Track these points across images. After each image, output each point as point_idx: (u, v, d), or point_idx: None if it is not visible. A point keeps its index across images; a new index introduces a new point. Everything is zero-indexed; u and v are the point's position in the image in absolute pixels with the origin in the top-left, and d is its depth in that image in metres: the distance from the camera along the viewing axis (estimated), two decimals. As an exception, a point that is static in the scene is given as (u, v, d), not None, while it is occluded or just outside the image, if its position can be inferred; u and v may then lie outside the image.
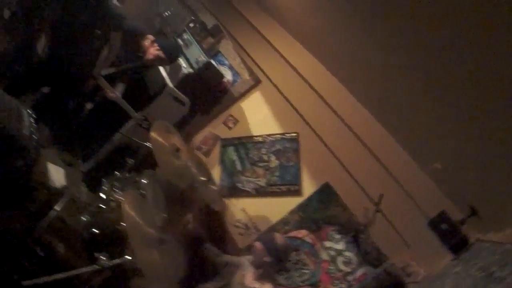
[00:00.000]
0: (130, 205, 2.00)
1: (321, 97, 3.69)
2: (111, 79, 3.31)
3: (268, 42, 4.35)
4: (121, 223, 2.07)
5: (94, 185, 2.86)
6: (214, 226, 3.58)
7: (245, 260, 2.93)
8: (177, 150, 3.01)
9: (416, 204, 2.84)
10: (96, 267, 1.80)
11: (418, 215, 2.81)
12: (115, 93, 3.30)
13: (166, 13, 4.46)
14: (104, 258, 1.84)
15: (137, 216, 2.03)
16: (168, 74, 3.92)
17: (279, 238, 2.86)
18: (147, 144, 3.15)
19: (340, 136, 3.47)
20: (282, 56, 4.17)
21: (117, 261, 1.80)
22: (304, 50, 4.01)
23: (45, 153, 2.54)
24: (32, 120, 2.05)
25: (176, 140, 3.10)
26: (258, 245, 2.82)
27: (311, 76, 3.83)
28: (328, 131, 3.57)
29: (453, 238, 2.44)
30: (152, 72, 3.82)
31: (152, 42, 3.42)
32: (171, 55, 3.51)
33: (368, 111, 3.33)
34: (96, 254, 1.85)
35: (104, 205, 2.31)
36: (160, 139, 2.87)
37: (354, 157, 3.33)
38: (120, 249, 2.06)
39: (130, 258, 1.84)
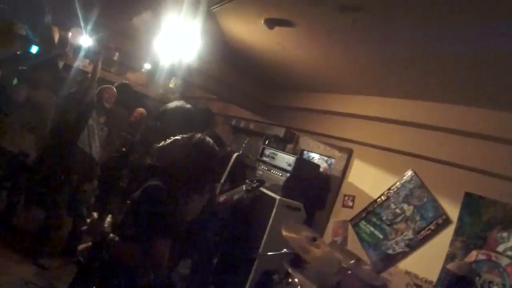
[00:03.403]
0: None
1: (412, 124, 3.90)
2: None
3: (331, 113, 4.90)
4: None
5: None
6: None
7: None
8: (314, 239, 3.41)
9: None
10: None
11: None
12: None
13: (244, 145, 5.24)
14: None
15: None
16: (272, 190, 4.49)
17: (455, 265, 2.83)
18: (284, 250, 3.60)
19: (449, 144, 3.58)
20: (351, 115, 4.63)
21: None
22: (366, 98, 4.42)
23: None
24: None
25: (307, 232, 3.52)
26: None
27: (390, 113, 4.10)
28: (437, 149, 3.68)
29: None
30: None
31: None
32: None
33: (459, 104, 3.47)
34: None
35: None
36: (293, 235, 3.32)
37: (475, 154, 3.37)
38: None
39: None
